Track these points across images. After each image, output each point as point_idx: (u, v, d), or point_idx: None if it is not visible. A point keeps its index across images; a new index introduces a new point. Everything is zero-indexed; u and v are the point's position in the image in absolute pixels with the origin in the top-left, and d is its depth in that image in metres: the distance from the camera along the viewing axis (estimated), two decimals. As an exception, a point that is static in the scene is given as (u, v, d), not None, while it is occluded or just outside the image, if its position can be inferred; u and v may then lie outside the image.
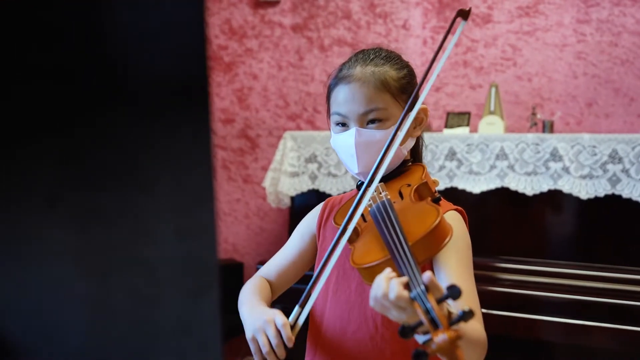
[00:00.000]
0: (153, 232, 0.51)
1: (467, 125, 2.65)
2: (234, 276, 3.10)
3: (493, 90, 2.65)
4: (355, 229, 1.11)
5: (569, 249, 2.30)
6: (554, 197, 2.30)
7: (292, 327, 1.11)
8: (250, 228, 3.33)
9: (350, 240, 1.11)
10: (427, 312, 0.84)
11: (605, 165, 2.23)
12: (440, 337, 0.81)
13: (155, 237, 0.51)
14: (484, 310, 1.29)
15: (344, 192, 1.47)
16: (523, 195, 2.33)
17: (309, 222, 1.37)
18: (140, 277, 0.51)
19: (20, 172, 0.50)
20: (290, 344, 1.09)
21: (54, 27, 0.49)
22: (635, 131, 2.69)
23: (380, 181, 1.14)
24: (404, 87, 1.23)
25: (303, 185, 2.65)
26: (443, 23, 2.97)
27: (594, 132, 2.54)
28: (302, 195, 2.67)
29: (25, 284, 0.51)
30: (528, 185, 2.32)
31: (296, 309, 1.12)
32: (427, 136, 2.22)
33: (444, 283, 1.03)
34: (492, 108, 2.64)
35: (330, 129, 1.28)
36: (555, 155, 2.29)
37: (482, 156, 2.39)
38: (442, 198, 1.20)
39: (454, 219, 1.17)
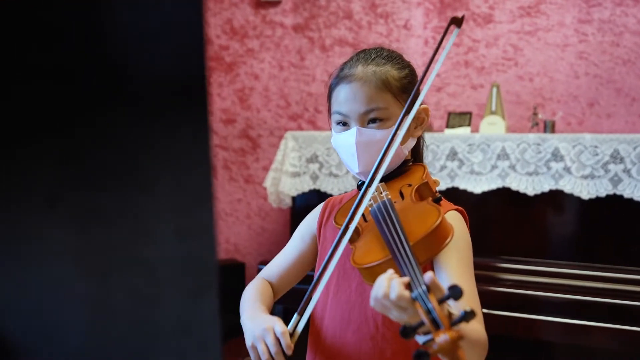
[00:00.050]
0: (153, 232, 0.51)
1: (469, 125, 2.65)
2: (235, 276, 3.10)
3: (494, 90, 2.65)
4: (356, 229, 1.11)
5: (570, 249, 2.30)
6: (555, 197, 2.30)
7: (291, 334, 1.11)
8: (251, 228, 3.33)
9: (351, 240, 1.11)
10: (428, 312, 0.84)
11: (606, 165, 2.23)
12: (442, 338, 0.81)
13: (155, 237, 0.51)
14: (484, 310, 1.29)
15: (345, 192, 1.47)
16: (524, 195, 2.33)
17: (310, 222, 1.37)
18: (140, 277, 0.51)
19: (20, 172, 0.50)
20: (289, 352, 1.09)
21: (54, 27, 0.49)
22: (637, 131, 2.69)
23: (381, 181, 1.14)
24: (405, 87, 1.23)
25: (304, 185, 2.65)
26: (444, 23, 2.97)
27: (595, 132, 2.53)
28: (304, 195, 2.67)
29: (25, 284, 0.51)
30: (529, 186, 2.31)
31: (295, 316, 1.12)
32: (428, 136, 2.22)
33: (444, 283, 1.03)
34: (493, 108, 2.63)
35: (331, 129, 1.28)
36: (556, 155, 2.29)
37: (483, 156, 2.39)
38: (442, 198, 1.20)
39: (455, 219, 1.17)
